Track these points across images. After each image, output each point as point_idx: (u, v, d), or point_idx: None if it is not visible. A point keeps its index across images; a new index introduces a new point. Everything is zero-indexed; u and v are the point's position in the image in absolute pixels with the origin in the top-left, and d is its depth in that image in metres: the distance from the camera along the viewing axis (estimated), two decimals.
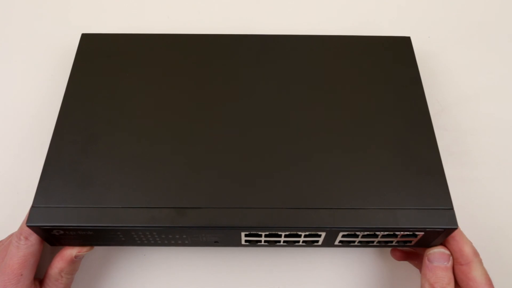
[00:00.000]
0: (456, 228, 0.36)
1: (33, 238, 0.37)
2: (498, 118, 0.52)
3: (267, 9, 0.61)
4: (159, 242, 0.39)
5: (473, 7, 0.61)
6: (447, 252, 0.38)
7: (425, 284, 0.37)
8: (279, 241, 0.39)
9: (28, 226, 0.36)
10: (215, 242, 0.40)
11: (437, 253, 0.38)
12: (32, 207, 0.37)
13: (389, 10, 0.61)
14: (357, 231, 0.37)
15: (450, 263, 0.37)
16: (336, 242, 0.39)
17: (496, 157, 0.49)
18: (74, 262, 0.39)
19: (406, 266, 0.43)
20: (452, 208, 0.37)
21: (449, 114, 0.52)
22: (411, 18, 0.60)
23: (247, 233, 0.38)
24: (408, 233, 0.37)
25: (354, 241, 0.39)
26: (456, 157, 0.49)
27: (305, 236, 0.38)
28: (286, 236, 0.38)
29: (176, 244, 0.40)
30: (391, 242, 0.39)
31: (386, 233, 0.37)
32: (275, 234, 0.38)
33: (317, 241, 0.39)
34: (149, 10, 0.61)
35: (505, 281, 0.40)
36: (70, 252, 0.38)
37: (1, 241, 0.40)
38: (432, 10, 0.61)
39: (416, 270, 0.43)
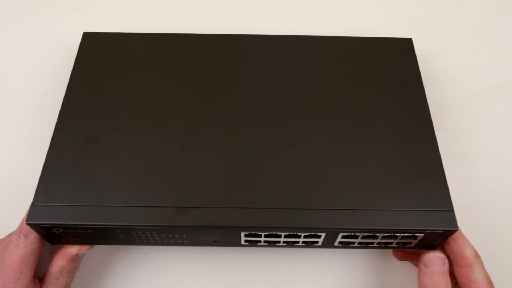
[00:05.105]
0: (456, 230, 0.36)
1: (33, 236, 0.37)
2: (498, 118, 0.52)
3: (268, 10, 0.61)
4: (159, 241, 0.39)
5: (473, 7, 0.61)
6: (442, 255, 0.38)
7: None
8: (279, 242, 0.39)
9: (28, 224, 0.36)
10: (215, 242, 0.40)
11: (432, 257, 0.38)
12: (32, 205, 0.37)
13: (389, 11, 0.61)
14: (357, 232, 0.37)
15: (446, 267, 0.37)
16: (336, 243, 0.39)
17: (496, 157, 0.49)
18: (75, 261, 0.39)
19: (406, 268, 0.43)
20: (452, 210, 0.37)
21: (449, 114, 0.52)
22: (411, 18, 0.60)
23: (246, 233, 0.38)
24: (408, 234, 0.37)
25: (354, 242, 0.39)
26: (456, 157, 0.49)
27: (305, 236, 0.38)
28: (285, 236, 0.38)
29: (175, 243, 0.40)
30: (391, 243, 0.39)
31: (386, 234, 0.37)
32: (275, 234, 0.38)
33: (317, 242, 0.39)
34: (150, 10, 0.60)
35: (505, 281, 0.40)
36: (71, 250, 0.38)
37: (1, 239, 0.40)
38: (432, 10, 0.61)
39: (416, 272, 0.42)
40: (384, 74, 0.45)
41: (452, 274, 0.38)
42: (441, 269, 0.37)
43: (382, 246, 0.40)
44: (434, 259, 0.37)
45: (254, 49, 0.47)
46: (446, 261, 0.37)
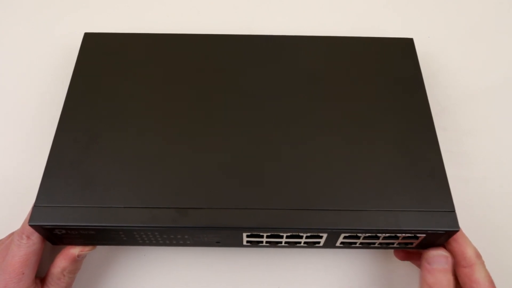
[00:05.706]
0: (457, 231, 0.36)
1: (35, 237, 0.37)
2: (498, 118, 0.52)
3: (268, 10, 0.61)
4: (161, 242, 0.39)
5: (473, 7, 0.61)
6: (446, 254, 0.38)
7: (424, 287, 0.37)
8: (281, 242, 0.39)
9: (30, 225, 0.36)
10: (217, 242, 0.40)
11: (436, 255, 0.37)
12: (34, 206, 0.37)
13: (389, 11, 0.61)
14: (359, 232, 0.37)
15: (449, 265, 0.37)
16: (338, 244, 0.39)
17: (496, 157, 0.49)
18: (77, 261, 0.39)
19: (407, 268, 0.43)
20: (453, 211, 0.37)
21: (449, 114, 0.52)
22: (411, 18, 0.60)
23: (248, 233, 0.38)
24: (410, 235, 0.37)
25: (355, 243, 0.39)
26: (456, 157, 0.49)
27: (307, 237, 0.38)
28: (287, 237, 0.38)
29: (177, 244, 0.40)
30: (393, 244, 0.39)
31: (387, 235, 0.37)
32: (277, 235, 0.38)
33: (319, 243, 0.39)
34: (150, 10, 0.60)
35: (505, 281, 0.40)
36: (72, 251, 0.38)
37: (2, 240, 0.40)
38: (432, 10, 0.61)
39: (417, 272, 0.43)
40: (385, 74, 0.45)
41: (454, 274, 0.38)
42: (444, 267, 0.37)
43: (384, 246, 0.40)
44: (438, 257, 0.37)
45: (254, 49, 0.47)
46: (450, 259, 0.37)
